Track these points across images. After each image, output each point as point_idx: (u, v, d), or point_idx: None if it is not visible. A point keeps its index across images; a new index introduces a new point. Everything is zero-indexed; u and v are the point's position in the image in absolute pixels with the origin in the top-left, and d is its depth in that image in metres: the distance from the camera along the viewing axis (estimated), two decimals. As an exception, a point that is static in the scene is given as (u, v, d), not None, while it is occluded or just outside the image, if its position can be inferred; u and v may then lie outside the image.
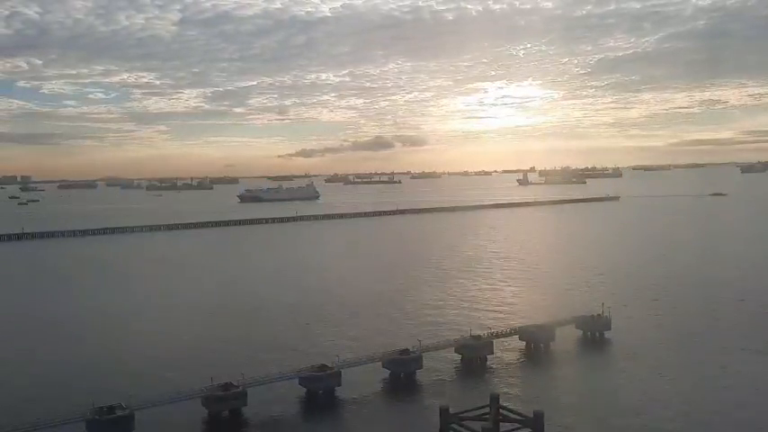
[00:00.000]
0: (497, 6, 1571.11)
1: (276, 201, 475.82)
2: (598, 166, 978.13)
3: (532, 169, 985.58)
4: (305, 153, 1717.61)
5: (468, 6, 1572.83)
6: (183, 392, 65.54)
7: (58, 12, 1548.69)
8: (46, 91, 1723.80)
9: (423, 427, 62.13)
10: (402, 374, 76.13)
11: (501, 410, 57.61)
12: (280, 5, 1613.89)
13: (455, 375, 78.86)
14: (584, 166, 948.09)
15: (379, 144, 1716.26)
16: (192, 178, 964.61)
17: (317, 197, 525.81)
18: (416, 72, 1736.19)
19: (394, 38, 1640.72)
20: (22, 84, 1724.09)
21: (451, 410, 58.41)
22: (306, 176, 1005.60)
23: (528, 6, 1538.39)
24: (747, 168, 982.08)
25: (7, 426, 58.22)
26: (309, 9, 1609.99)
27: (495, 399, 58.03)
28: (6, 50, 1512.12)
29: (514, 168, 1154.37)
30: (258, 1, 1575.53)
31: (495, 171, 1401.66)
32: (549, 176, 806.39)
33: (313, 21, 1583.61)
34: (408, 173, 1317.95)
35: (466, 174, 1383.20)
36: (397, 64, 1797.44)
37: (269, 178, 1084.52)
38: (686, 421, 63.24)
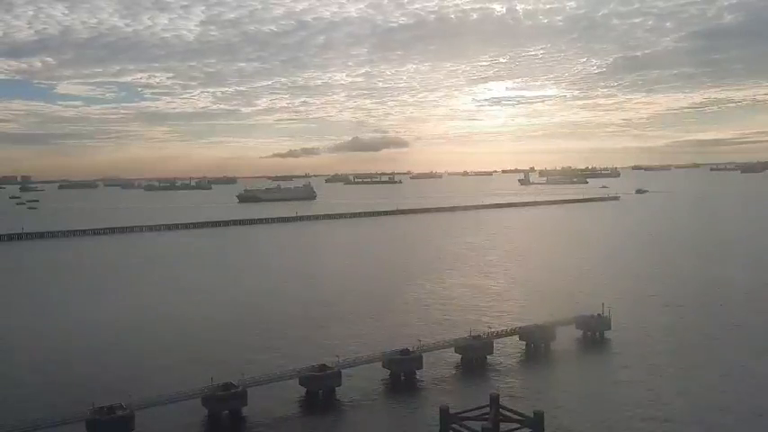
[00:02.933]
0: (521, 6, 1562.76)
1: (274, 201, 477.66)
2: (598, 167, 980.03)
3: (532, 169, 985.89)
4: (307, 153, 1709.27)
5: (494, 6, 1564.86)
6: (182, 392, 65.52)
7: (83, 12, 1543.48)
8: (59, 91, 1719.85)
9: (423, 427, 62.19)
10: (402, 374, 76.16)
11: (501, 410, 57.61)
12: (306, 5, 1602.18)
13: (455, 375, 78.89)
14: (583, 167, 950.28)
15: (382, 144, 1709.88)
16: (190, 178, 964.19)
17: (314, 197, 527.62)
18: (432, 72, 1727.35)
19: (415, 38, 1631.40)
20: (35, 83, 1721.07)
21: (451, 410, 58.43)
22: (305, 176, 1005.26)
23: (552, 6, 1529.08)
24: (747, 168, 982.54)
25: (7, 426, 58.26)
26: (335, 9, 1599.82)
27: (495, 399, 58.03)
28: (23, 51, 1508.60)
29: (515, 168, 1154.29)
30: (285, 1, 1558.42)
31: (496, 171, 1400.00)
32: (550, 176, 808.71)
33: (337, 21, 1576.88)
34: (408, 173, 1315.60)
35: (465, 174, 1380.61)
36: (415, 64, 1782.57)
37: (269, 178, 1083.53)
38: (686, 421, 63.23)
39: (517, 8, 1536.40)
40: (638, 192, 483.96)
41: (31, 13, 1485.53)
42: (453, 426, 57.64)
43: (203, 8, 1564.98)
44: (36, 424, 58.37)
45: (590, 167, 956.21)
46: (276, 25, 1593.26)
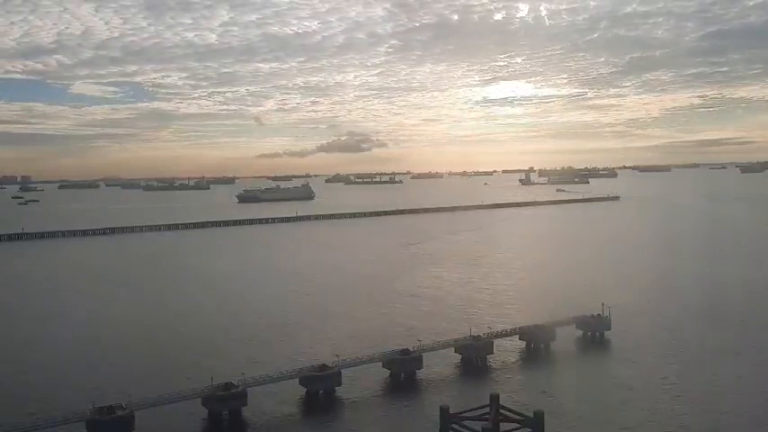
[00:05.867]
0: (545, 5, 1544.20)
1: (273, 201, 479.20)
2: (598, 167, 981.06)
3: (531, 169, 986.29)
4: (308, 152, 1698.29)
5: (518, 5, 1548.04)
6: (183, 392, 65.61)
7: (109, 11, 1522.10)
8: (73, 91, 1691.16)
9: (423, 427, 62.19)
10: (402, 374, 76.21)
11: (501, 410, 57.59)
12: (333, 4, 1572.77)
13: (455, 375, 78.92)
14: (581, 167, 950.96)
15: (385, 144, 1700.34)
16: (189, 178, 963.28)
17: (312, 197, 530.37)
18: (447, 72, 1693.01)
19: (435, 37, 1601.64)
20: (49, 82, 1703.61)
21: (451, 410, 58.41)
22: (305, 176, 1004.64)
23: (575, 5, 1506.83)
24: (747, 168, 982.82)
25: (7, 426, 58.27)
26: (360, 9, 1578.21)
27: (495, 399, 58.01)
28: (41, 51, 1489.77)
29: (514, 169, 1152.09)
30: (314, 1, 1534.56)
31: (496, 171, 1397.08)
32: (551, 176, 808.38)
33: (361, 21, 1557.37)
34: (409, 173, 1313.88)
35: (465, 174, 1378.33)
36: (431, 64, 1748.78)
37: (269, 178, 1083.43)
38: (686, 421, 63.26)
39: (540, 7, 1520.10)
40: None
41: (56, 14, 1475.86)
42: (453, 426, 57.63)
43: (227, 8, 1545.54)
44: (36, 424, 58.40)
45: (588, 167, 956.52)
46: (299, 26, 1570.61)
